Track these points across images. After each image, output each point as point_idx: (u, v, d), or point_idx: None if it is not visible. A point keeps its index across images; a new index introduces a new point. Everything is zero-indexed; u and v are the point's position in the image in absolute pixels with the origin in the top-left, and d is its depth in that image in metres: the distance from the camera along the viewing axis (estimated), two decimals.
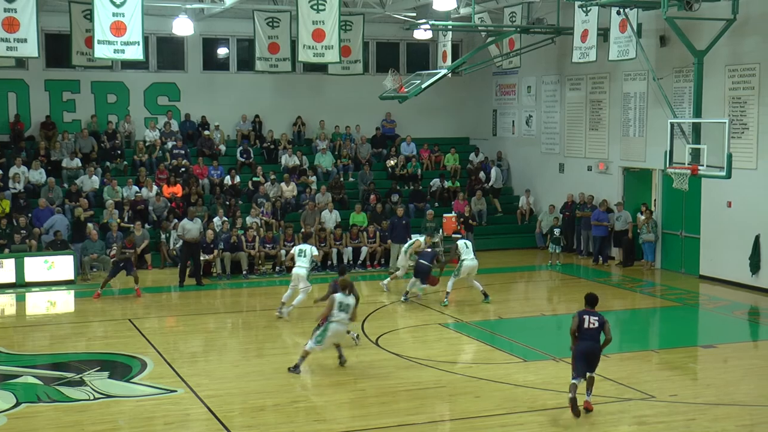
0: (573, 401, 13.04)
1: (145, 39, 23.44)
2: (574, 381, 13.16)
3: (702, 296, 22.68)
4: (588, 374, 13.28)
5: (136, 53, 22.60)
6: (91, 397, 14.17)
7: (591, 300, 13.55)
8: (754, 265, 22.52)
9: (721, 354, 17.08)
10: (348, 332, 16.24)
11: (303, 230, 25.99)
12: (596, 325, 13.26)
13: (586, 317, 13.33)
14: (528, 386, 14.70)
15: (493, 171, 31.02)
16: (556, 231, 26.54)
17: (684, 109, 23.66)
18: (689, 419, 13.14)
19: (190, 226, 23.47)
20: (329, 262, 25.75)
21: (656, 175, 25.75)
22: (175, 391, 14.53)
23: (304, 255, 19.49)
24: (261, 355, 17.39)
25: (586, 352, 13.24)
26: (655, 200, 26.10)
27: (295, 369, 15.39)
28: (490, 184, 30.86)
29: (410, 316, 20.19)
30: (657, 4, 21.10)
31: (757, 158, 22.35)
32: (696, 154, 20.72)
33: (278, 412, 13.74)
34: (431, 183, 30.73)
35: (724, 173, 19.99)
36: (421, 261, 21.07)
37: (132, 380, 15.19)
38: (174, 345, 17.80)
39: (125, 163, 28.89)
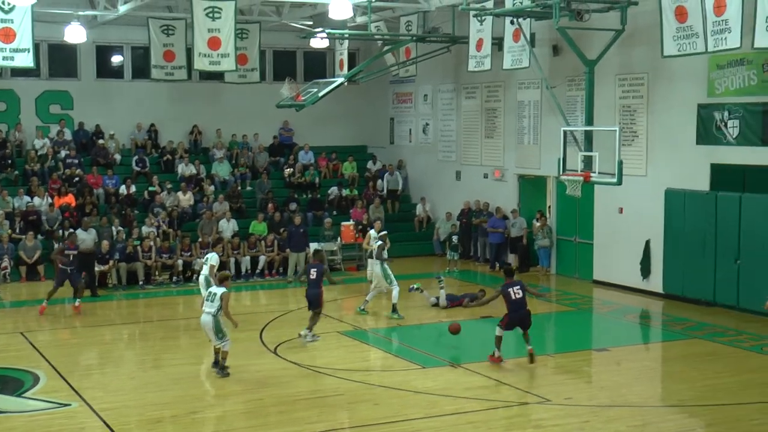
0: (499, 339, 15.92)
1: (36, 46, 23.01)
2: (499, 334, 15.59)
3: (595, 300, 23.16)
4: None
5: (26, 60, 22.14)
6: None
7: (509, 271, 14.97)
8: (645, 270, 23.08)
9: (614, 357, 17.45)
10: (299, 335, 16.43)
11: (200, 240, 25.75)
12: (521, 294, 15.36)
13: (511, 290, 14.64)
14: (427, 392, 14.80)
15: (385, 177, 31.17)
16: (454, 238, 26.82)
17: (576, 117, 24.14)
18: (584, 421, 13.39)
19: (84, 236, 23.05)
20: (225, 270, 25.54)
21: (551, 182, 26.19)
22: (70, 404, 14.23)
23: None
24: (158, 366, 17.16)
25: (520, 319, 15.54)
26: (549, 207, 26.55)
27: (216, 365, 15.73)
28: (384, 190, 31.00)
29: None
30: (549, 15, 21.49)
31: (647, 165, 22.93)
32: (588, 162, 21.16)
33: (176, 423, 13.58)
34: (329, 191, 30.75)
35: (615, 180, 20.46)
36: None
37: (24, 395, 14.83)
38: (68, 358, 17.39)
39: (16, 172, 28.20)
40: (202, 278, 19.79)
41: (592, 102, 21.97)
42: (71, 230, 25.28)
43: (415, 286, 21.52)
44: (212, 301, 15.53)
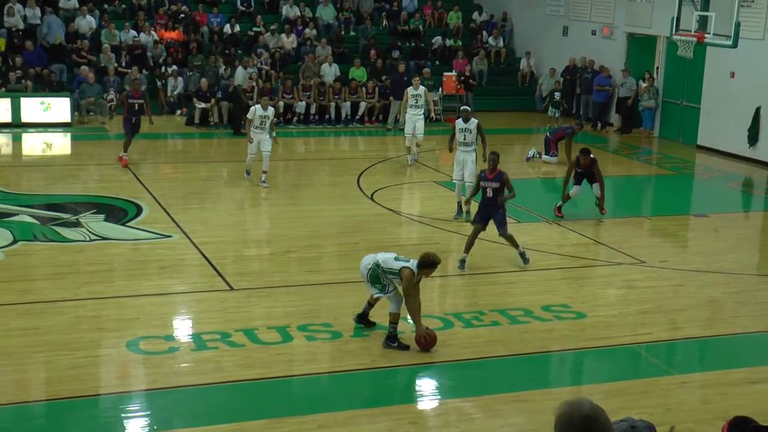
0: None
1: None
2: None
3: (698, 166, 22.73)
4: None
5: None
6: (87, 239, 14.28)
7: (492, 161, 13.67)
8: (752, 138, 22.47)
9: (713, 223, 17.19)
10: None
11: (302, 82, 25.78)
12: (491, 194, 13.49)
13: (484, 184, 13.47)
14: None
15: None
16: (557, 95, 26.35)
17: None
18: (677, 285, 13.31)
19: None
20: (327, 116, 25.68)
21: (660, 42, 25.41)
22: (170, 236, 14.64)
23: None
24: (255, 204, 17.50)
25: (484, 214, 13.67)
26: (657, 68, 25.84)
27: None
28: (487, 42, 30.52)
29: (404, 172, 20.19)
30: None
31: (765, 29, 22.03)
32: (703, 22, 20.35)
33: (272, 261, 13.91)
34: (433, 40, 30.33)
35: (730, 42, 19.71)
36: None
37: (128, 224, 15.29)
38: (170, 191, 17.80)
39: (123, 6, 28.36)
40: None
41: None
42: (174, 67, 25.61)
43: (531, 154, 21.33)
44: None
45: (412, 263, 10.37)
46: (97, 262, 13.27)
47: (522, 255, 13.72)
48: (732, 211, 18.76)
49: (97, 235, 14.46)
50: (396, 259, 10.53)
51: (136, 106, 19.53)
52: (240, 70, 25.34)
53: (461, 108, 17.44)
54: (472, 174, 15.77)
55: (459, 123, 16.18)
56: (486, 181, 13.63)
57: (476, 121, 16.21)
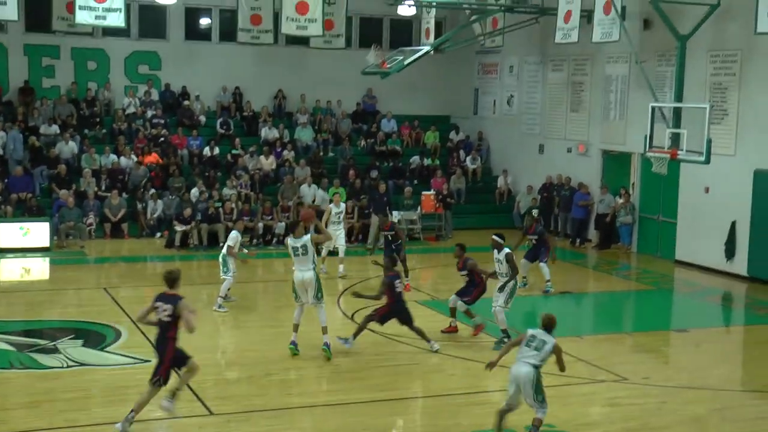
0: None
1: (127, 6, 23.27)
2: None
3: (677, 280, 22.82)
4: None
5: (117, 20, 22.44)
6: (65, 365, 14.12)
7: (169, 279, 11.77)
8: (729, 252, 22.64)
9: (694, 338, 17.19)
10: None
11: (281, 204, 25.94)
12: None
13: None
14: (503, 365, 14.69)
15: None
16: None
17: (665, 93, 23.68)
18: (661, 402, 13.23)
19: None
20: None
21: (635, 159, 25.79)
22: (149, 360, 14.38)
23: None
24: (236, 326, 17.39)
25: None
26: (633, 184, 26.17)
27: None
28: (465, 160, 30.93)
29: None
30: None
31: (736, 145, 22.43)
32: (676, 139, 20.78)
33: (251, 384, 13.75)
34: (411, 160, 30.69)
35: (703, 158, 20.07)
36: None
37: (106, 349, 15.14)
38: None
39: (104, 131, 28.67)
40: (223, 252, 18.50)
41: (683, 78, 21.55)
42: (153, 190, 25.77)
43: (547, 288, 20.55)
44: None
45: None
46: (74, 389, 13.08)
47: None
48: (713, 326, 18.77)
49: (74, 361, 14.30)
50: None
51: None
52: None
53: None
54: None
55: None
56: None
57: (507, 249, 16.01)
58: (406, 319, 15.22)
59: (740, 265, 22.41)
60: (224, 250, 18.54)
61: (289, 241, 15.17)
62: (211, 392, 13.10)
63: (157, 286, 20.42)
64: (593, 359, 15.17)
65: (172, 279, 11.43)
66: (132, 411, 11.30)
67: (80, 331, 16.12)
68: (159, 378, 11.32)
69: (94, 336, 15.89)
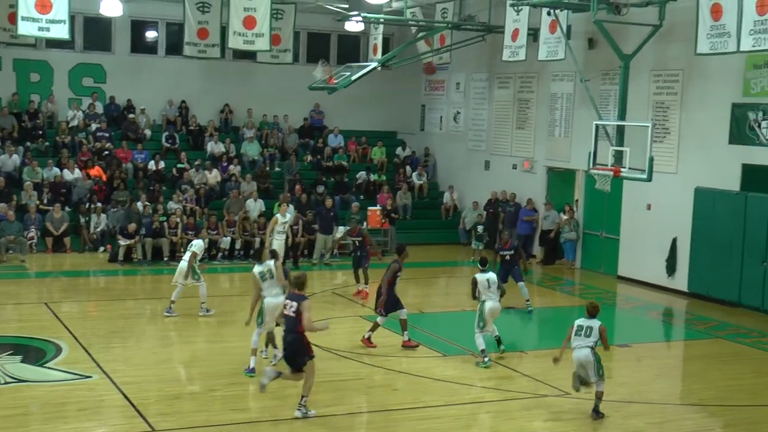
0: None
1: (72, 18, 22.99)
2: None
3: (619, 296, 23.05)
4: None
5: (61, 32, 22.13)
6: (2, 381, 13.90)
7: (297, 283, 12.86)
8: (670, 268, 22.94)
9: (635, 353, 17.38)
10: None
11: (226, 218, 25.82)
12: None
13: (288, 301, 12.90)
14: (446, 380, 14.79)
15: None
16: (480, 228, 26.73)
17: (609, 111, 23.98)
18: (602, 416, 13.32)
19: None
20: (251, 251, 25.61)
21: (579, 176, 26.07)
22: (90, 376, 14.32)
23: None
24: (179, 342, 17.25)
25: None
26: (577, 200, 26.44)
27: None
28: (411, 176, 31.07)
29: (331, 308, 20.13)
30: (586, 7, 21.39)
31: (678, 162, 22.76)
32: (619, 156, 21.02)
33: (195, 400, 13.64)
34: (357, 176, 30.72)
35: (645, 176, 20.33)
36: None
37: (46, 365, 14.94)
38: (91, 330, 17.48)
39: (47, 143, 28.34)
40: (184, 264, 18.76)
41: (626, 96, 21.82)
42: (98, 204, 25.51)
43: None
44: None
45: None
46: (13, 405, 12.87)
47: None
48: (654, 341, 18.99)
49: (13, 377, 14.09)
50: None
51: None
52: None
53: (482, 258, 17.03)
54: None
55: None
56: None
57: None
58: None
59: (681, 281, 22.71)
60: (186, 257, 18.74)
61: (255, 268, 15.38)
62: (154, 408, 12.97)
63: (97, 301, 20.32)
64: (536, 374, 15.27)
65: (300, 282, 12.89)
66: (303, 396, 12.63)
67: (19, 346, 15.85)
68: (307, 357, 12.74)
69: (34, 351, 15.66)
